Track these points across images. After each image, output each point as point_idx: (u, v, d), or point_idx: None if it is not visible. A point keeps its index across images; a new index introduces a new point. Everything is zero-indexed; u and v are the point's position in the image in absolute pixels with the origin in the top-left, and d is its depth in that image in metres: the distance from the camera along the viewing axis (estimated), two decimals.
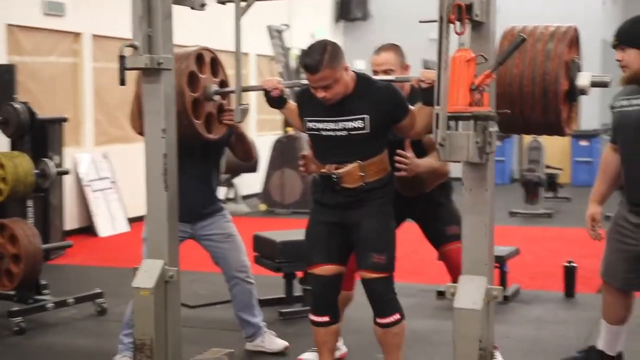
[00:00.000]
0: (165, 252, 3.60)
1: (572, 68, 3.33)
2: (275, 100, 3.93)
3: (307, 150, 4.01)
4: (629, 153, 3.92)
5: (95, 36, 9.47)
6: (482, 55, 3.03)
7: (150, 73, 3.57)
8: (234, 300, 4.69)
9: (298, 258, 4.85)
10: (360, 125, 3.65)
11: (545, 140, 10.15)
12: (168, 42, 3.61)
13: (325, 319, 3.87)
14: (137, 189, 9.54)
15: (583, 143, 13.06)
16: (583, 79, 3.35)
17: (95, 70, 9.54)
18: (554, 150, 12.12)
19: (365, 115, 3.64)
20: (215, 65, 4.20)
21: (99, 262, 7.74)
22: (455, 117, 2.98)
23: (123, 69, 3.45)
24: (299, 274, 5.47)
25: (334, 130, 3.69)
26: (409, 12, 13.73)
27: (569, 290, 5.87)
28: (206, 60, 4.13)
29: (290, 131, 10.47)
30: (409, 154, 3.91)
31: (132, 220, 9.42)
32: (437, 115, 2.90)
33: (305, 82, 3.80)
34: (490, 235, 3.21)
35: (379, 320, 3.78)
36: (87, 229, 9.13)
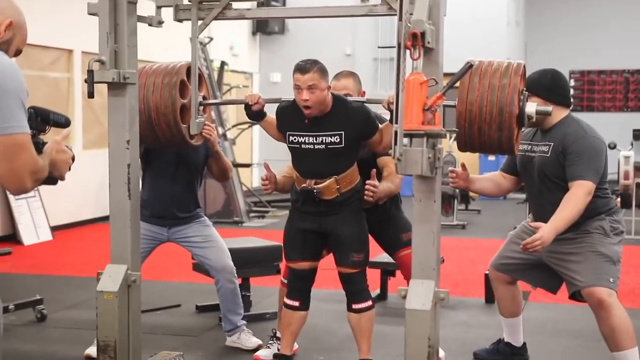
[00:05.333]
0: (129, 257, 3.77)
1: (523, 97, 3.75)
2: (256, 114, 4.29)
3: (264, 173, 4.35)
4: (532, 190, 4.45)
5: None
6: (433, 79, 3.34)
7: (117, 87, 3.74)
8: (218, 298, 5.03)
9: (237, 265, 5.08)
10: (336, 140, 4.08)
11: (457, 154, 10.59)
12: (133, 57, 3.79)
13: (296, 303, 4.34)
14: (60, 197, 9.61)
15: (491, 158, 13.64)
16: (530, 107, 3.87)
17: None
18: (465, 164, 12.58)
19: (341, 132, 4.08)
20: (200, 80, 4.42)
21: (26, 270, 7.74)
22: (410, 135, 3.27)
23: (92, 82, 3.63)
24: (239, 280, 5.65)
25: (313, 144, 4.11)
26: (324, 27, 14.09)
27: (489, 296, 6.25)
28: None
29: None
30: (376, 182, 4.27)
31: (55, 229, 9.42)
32: (396, 132, 3.18)
33: (285, 98, 4.24)
34: (437, 243, 3.49)
35: (355, 307, 4.25)
36: (10, 237, 9.11)
